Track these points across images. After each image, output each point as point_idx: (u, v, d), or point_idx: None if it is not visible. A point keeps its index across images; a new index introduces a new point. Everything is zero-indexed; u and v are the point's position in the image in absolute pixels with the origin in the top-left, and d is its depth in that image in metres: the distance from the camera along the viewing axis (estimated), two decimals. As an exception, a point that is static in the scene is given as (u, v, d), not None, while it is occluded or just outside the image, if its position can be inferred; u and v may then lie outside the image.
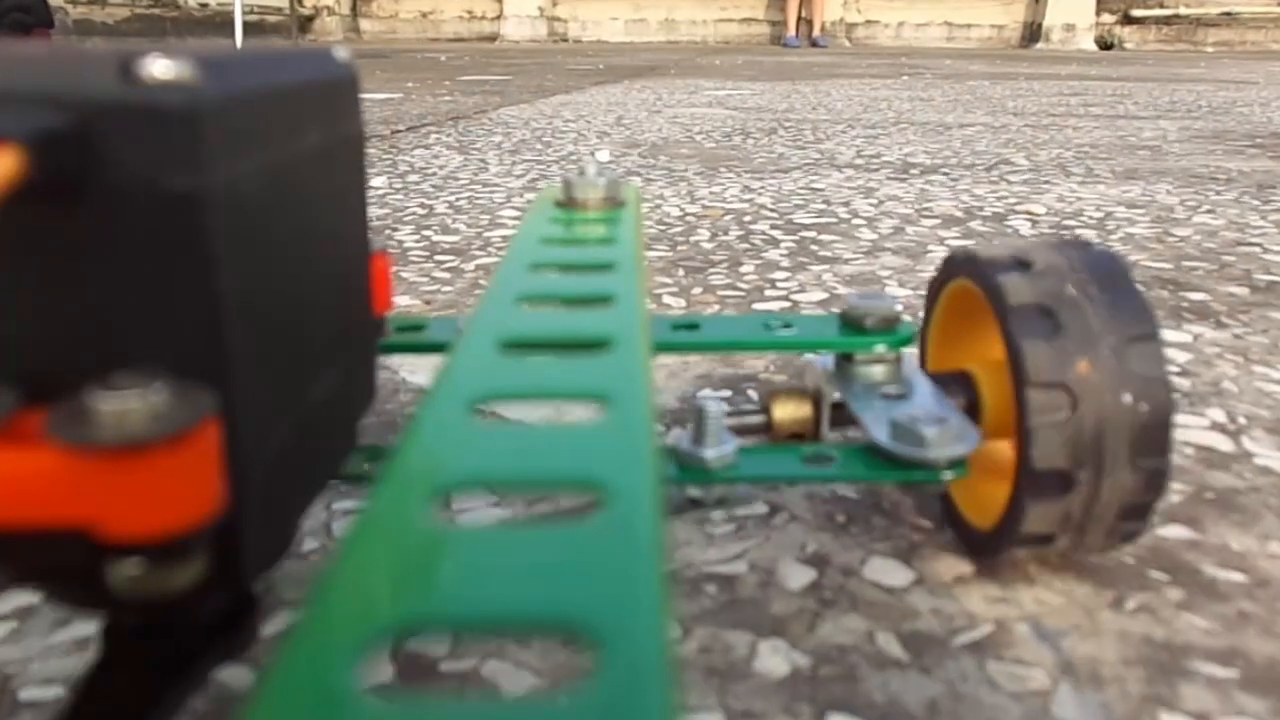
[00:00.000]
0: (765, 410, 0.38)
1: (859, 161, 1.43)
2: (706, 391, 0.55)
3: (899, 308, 0.38)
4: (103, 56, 0.18)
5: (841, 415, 0.38)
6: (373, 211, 1.06)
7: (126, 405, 0.16)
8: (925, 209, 1.08)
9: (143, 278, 0.18)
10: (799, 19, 6.77)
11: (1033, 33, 6.85)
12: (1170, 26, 6.85)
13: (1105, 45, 6.77)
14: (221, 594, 0.20)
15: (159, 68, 0.17)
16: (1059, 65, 4.30)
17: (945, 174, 1.32)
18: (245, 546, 0.20)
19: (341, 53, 0.26)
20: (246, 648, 0.22)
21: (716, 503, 0.40)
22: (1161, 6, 6.84)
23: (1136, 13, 6.87)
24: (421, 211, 1.06)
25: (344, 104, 0.26)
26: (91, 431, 0.16)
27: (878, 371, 0.38)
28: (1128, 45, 6.84)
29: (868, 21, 7.08)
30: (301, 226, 0.23)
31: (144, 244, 0.18)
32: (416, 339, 0.38)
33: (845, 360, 0.38)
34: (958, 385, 0.37)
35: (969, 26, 7.00)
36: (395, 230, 0.97)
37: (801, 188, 1.21)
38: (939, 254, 0.87)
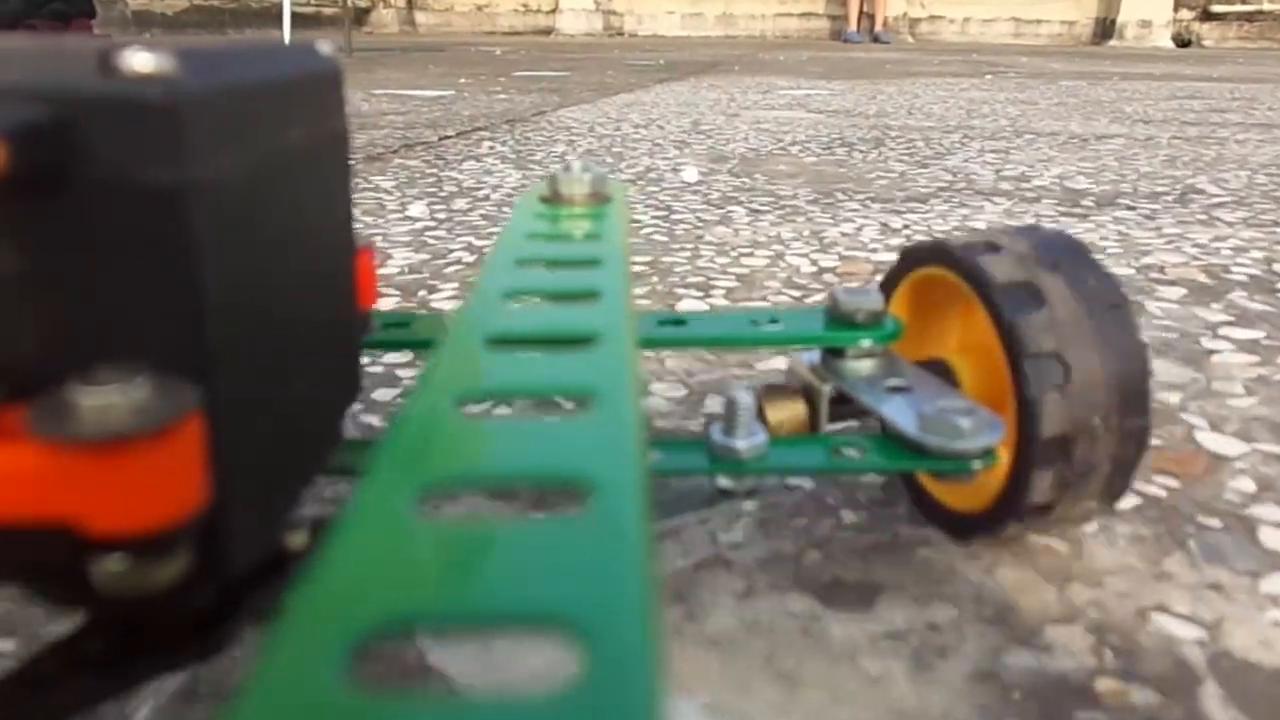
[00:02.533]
0: (760, 411, 0.36)
1: (1005, 186, 1.16)
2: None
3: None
4: (83, 49, 0.18)
5: (835, 410, 0.37)
6: (407, 257, 0.80)
7: (108, 400, 0.16)
8: (1147, 268, 0.80)
9: (124, 271, 0.18)
10: (860, 13, 6.48)
11: (1105, 29, 6.51)
12: (1252, 23, 6.48)
13: (1182, 43, 6.41)
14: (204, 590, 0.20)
15: (138, 60, 0.17)
16: (1143, 64, 3.97)
17: (1129, 207, 1.04)
18: (229, 542, 0.19)
19: (326, 47, 0.26)
20: (222, 649, 0.21)
21: (747, 494, 0.38)
22: (1244, 2, 6.46)
23: (1216, 8, 6.51)
24: (469, 258, 0.80)
25: (328, 99, 0.25)
26: (73, 427, 0.16)
27: (866, 365, 0.37)
28: (1206, 42, 6.48)
29: (931, 17, 6.77)
30: (285, 221, 0.22)
31: (125, 237, 0.18)
32: (402, 335, 0.38)
33: (834, 355, 0.37)
34: (937, 372, 0.37)
35: (1038, 22, 6.68)
36: (434, 290, 0.71)
37: (956, 227, 0.94)
38: (1220, 349, 0.60)
